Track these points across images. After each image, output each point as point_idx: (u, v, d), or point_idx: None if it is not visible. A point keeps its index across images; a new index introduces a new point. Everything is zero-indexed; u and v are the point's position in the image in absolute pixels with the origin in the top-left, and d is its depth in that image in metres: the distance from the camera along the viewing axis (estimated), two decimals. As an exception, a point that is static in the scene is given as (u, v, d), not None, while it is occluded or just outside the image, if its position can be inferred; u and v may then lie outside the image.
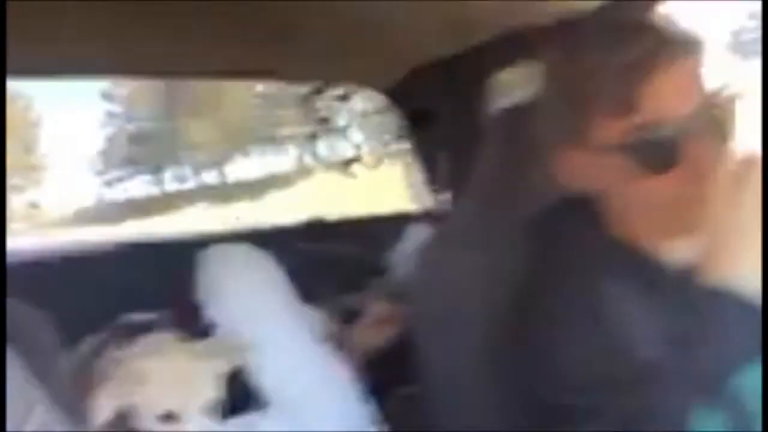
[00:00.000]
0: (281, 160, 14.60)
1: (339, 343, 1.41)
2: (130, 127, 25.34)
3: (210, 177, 14.35)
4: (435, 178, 2.01)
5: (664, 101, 0.75)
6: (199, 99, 20.90)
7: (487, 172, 1.17)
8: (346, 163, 2.06)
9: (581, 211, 0.87)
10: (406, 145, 2.03)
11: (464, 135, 1.83)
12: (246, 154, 14.66)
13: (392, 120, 2.04)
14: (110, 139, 26.19)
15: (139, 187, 25.27)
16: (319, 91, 1.94)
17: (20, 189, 21.63)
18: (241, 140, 13.89)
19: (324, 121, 1.98)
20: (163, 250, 1.80)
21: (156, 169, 25.15)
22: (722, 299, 0.71)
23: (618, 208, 0.84)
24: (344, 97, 2.02)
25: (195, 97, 20.85)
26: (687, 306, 0.78)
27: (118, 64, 1.32)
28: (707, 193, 0.73)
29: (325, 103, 1.98)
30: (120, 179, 26.31)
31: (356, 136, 2.07)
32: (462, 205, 1.23)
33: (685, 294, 0.78)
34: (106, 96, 24.90)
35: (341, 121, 2.02)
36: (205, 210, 9.99)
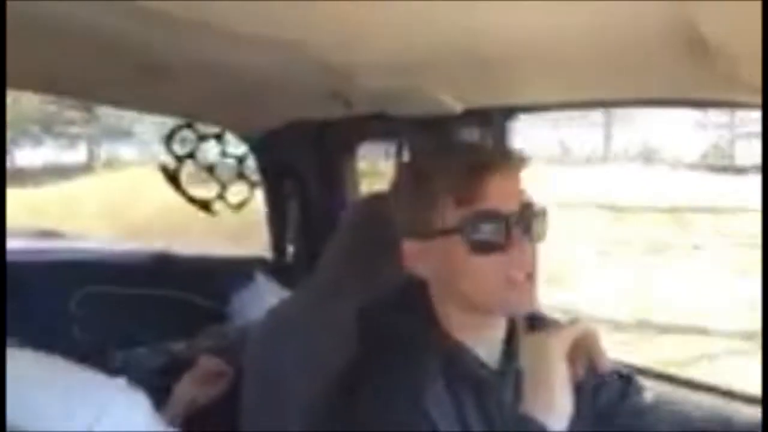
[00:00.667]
0: (70, 155, 14.49)
1: (160, 394, 1.33)
2: None
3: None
4: (285, 231, 2.01)
5: (497, 198, 0.87)
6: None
7: (336, 258, 1.19)
8: (210, 200, 1.98)
9: (414, 302, 0.93)
10: (265, 193, 2.02)
11: (320, 196, 1.86)
12: (37, 143, 14.21)
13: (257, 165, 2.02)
14: None
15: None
16: (183, 128, 1.88)
17: None
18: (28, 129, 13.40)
19: (189, 156, 1.90)
20: None
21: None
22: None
23: (449, 289, 0.91)
24: (218, 137, 1.97)
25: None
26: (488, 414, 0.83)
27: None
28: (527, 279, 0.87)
29: (193, 139, 1.92)
30: None
31: (225, 174, 2.00)
32: (305, 290, 1.24)
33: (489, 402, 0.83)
34: None
35: (209, 159, 1.96)
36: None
